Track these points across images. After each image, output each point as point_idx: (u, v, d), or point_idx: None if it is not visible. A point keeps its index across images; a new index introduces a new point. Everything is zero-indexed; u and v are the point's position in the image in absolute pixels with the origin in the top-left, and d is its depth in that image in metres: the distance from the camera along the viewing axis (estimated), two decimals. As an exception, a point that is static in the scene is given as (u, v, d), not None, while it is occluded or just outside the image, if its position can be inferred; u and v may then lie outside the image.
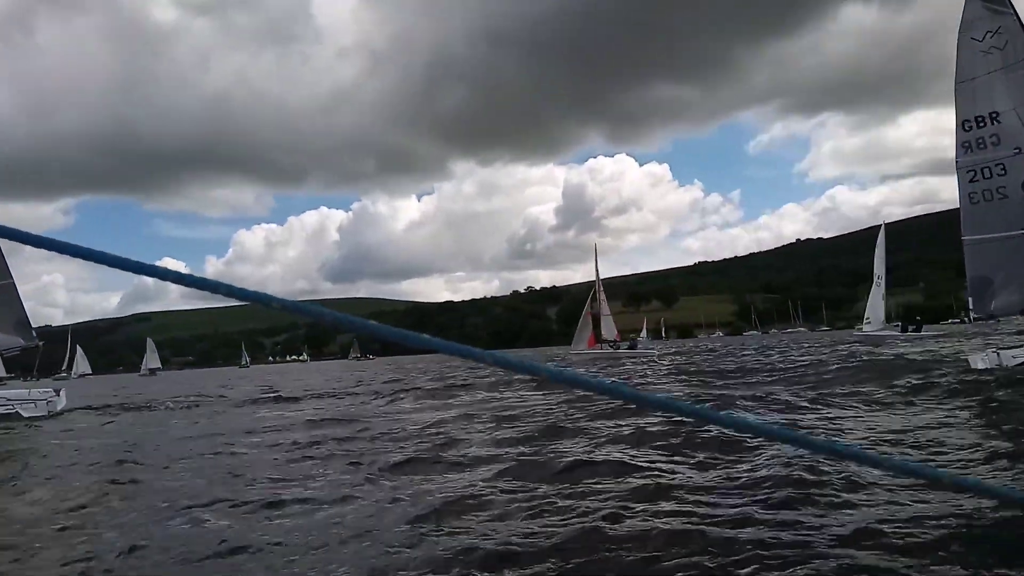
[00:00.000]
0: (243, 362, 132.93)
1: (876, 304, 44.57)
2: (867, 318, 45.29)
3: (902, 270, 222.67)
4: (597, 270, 46.86)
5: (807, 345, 42.06)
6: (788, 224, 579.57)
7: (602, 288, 45.24)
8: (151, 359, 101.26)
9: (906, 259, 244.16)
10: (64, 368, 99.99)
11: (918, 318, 46.01)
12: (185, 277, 0.99)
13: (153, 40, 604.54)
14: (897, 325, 45.70)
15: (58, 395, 20.37)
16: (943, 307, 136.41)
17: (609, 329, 43.21)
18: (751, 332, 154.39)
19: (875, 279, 45.04)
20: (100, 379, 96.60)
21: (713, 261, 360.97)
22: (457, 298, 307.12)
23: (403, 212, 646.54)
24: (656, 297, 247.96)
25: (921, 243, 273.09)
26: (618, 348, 40.56)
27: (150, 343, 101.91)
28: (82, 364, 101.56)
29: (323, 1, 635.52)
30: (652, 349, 43.52)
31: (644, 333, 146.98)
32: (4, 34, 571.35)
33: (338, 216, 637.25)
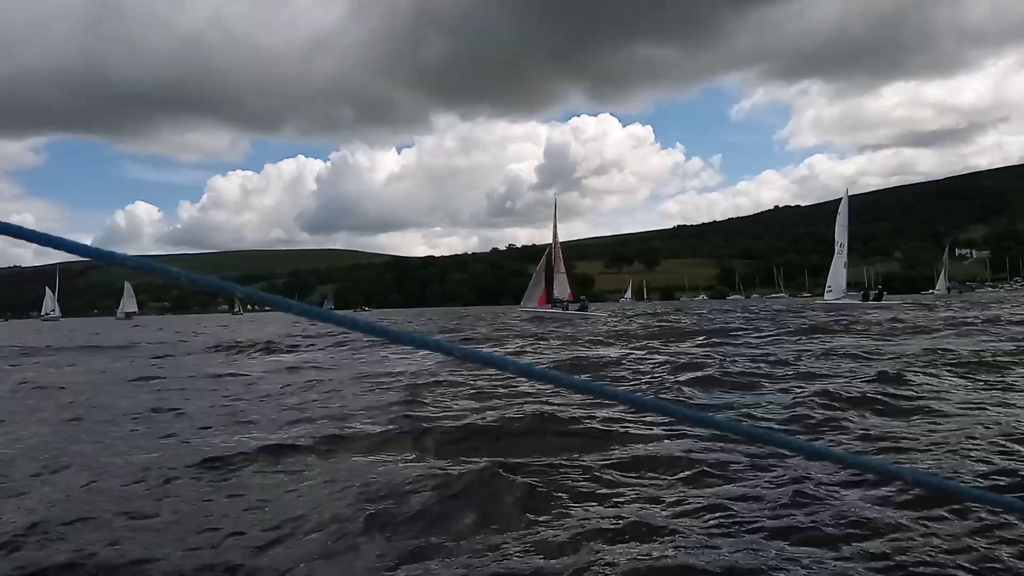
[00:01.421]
0: (236, 308, 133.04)
1: (838, 272, 44.35)
2: (828, 286, 45.18)
3: (879, 240, 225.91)
4: (555, 226, 45.65)
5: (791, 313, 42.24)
6: (767, 191, 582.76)
7: (559, 246, 44.39)
8: (128, 303, 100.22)
9: (883, 229, 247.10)
10: (40, 311, 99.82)
11: (879, 287, 46.32)
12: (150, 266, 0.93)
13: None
14: (858, 294, 45.87)
15: None
16: (922, 277, 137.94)
17: (562, 288, 42.71)
18: (734, 296, 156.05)
19: (837, 247, 44.86)
20: (74, 322, 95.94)
21: (693, 225, 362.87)
22: (436, 253, 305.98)
23: (382, 164, 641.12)
24: (638, 259, 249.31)
25: (897, 213, 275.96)
26: (567, 309, 39.79)
27: (128, 287, 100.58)
28: (50, 305, 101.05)
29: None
30: (602, 313, 43.19)
31: (629, 293, 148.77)
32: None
33: (316, 165, 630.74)
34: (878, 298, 42.63)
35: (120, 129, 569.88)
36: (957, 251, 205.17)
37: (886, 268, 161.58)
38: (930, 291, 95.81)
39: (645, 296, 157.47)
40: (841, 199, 46.58)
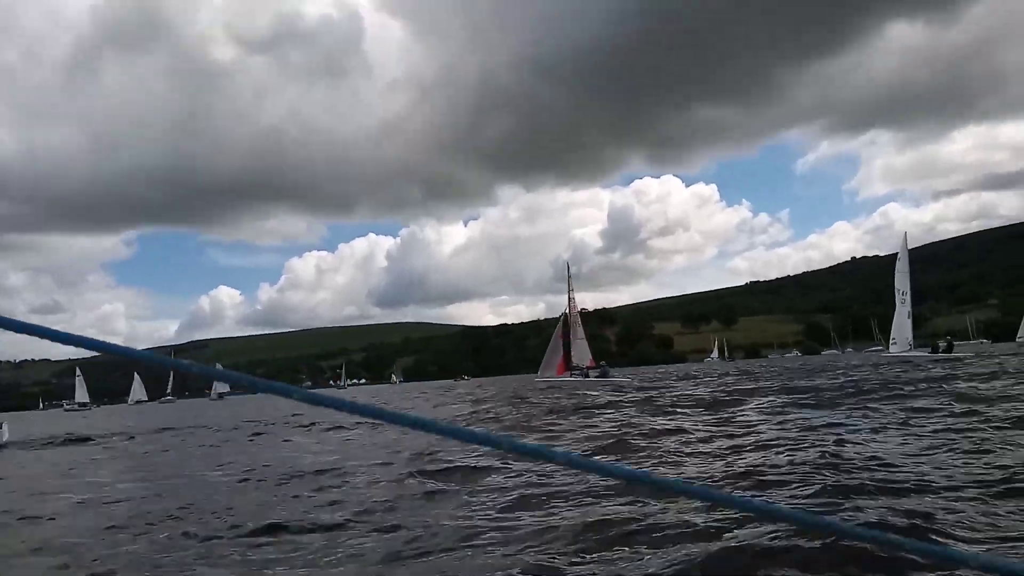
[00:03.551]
0: (343, 383, 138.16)
1: (902, 323, 41.00)
2: (893, 339, 41.82)
3: (967, 286, 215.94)
4: (570, 291, 42.66)
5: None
6: (839, 243, 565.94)
7: (578, 310, 42.24)
8: (220, 384, 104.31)
9: (970, 275, 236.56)
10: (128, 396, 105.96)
11: (948, 338, 42.38)
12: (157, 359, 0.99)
13: (211, 77, 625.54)
14: (926, 347, 42.41)
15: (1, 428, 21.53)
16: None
17: (581, 354, 40.22)
18: (829, 351, 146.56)
19: (899, 296, 41.45)
20: (187, 403, 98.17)
21: (765, 280, 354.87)
22: (503, 321, 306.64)
23: (449, 237, 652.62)
24: (715, 317, 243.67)
25: (981, 258, 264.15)
26: (587, 375, 37.56)
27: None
28: (138, 391, 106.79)
29: (374, 36, 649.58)
30: (626, 377, 40.06)
31: (715, 353, 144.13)
32: (71, 76, 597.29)
33: (386, 242, 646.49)
34: (948, 350, 39.02)
35: (205, 219, 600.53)
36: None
37: (984, 315, 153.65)
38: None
39: (726, 355, 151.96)
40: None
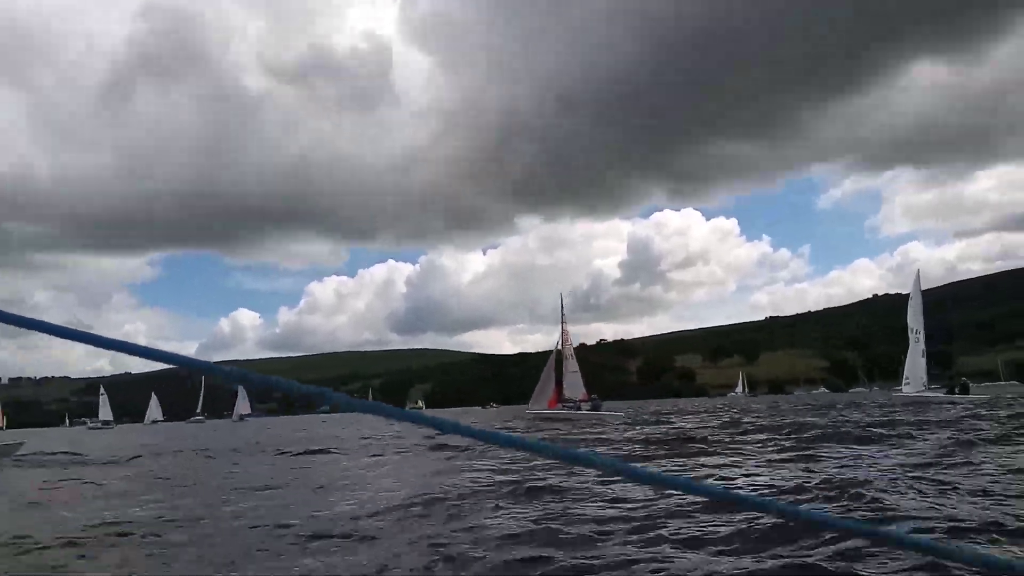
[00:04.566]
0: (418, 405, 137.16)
1: (916, 363, 39.74)
2: (906, 378, 40.50)
3: (993, 327, 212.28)
4: (563, 323, 42.15)
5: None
6: (861, 279, 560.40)
7: (570, 342, 41.62)
8: (242, 405, 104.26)
9: (1002, 313, 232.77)
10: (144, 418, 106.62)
11: (964, 380, 41.07)
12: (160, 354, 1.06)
13: (243, 106, 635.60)
14: (939, 387, 40.82)
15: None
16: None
17: (574, 388, 39.64)
18: (857, 388, 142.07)
19: (912, 335, 40.27)
20: (215, 423, 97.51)
21: (785, 316, 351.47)
22: (520, 350, 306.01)
23: (469, 265, 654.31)
24: (736, 351, 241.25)
25: (1008, 298, 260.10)
26: (579, 408, 37.39)
27: (241, 390, 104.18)
28: (155, 411, 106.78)
29: (401, 67, 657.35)
30: (619, 412, 39.52)
31: (740, 387, 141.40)
32: (106, 102, 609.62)
33: (406, 269, 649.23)
34: (964, 391, 37.88)
35: (232, 242, 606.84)
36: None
37: (1012, 356, 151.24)
38: None
39: (746, 389, 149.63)
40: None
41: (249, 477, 13.62)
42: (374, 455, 17.43)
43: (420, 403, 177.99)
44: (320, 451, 19.83)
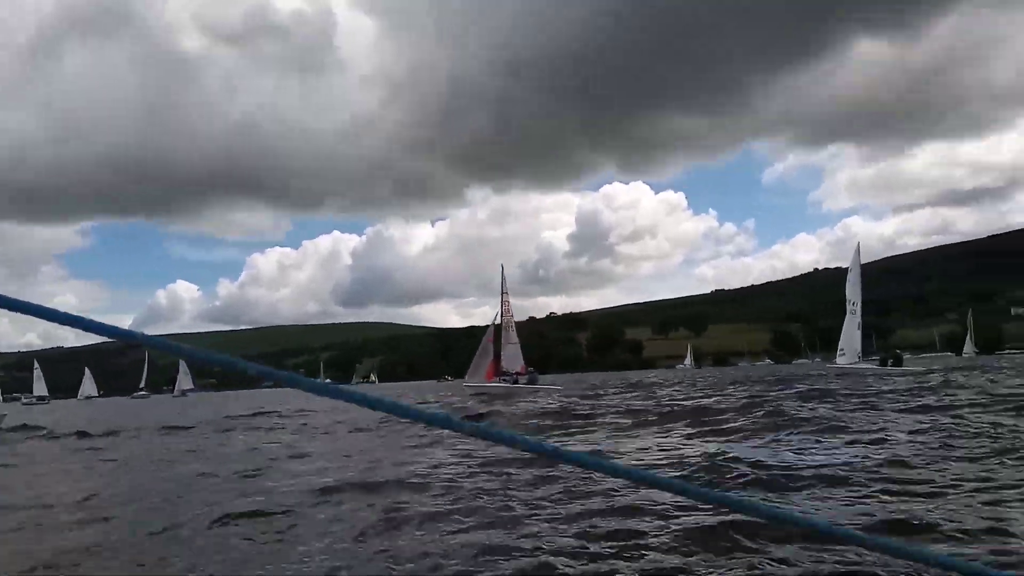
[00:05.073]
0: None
1: (852, 335, 40.18)
2: (841, 349, 40.94)
3: (928, 302, 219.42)
4: (504, 294, 41.71)
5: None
6: (803, 254, 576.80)
7: (512, 315, 41.34)
8: (184, 380, 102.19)
9: (934, 288, 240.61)
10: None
11: (897, 351, 42.30)
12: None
13: (180, 68, 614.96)
14: (873, 359, 42.03)
15: None
16: (992, 339, 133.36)
17: (512, 360, 39.43)
18: (801, 360, 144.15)
19: (849, 307, 40.89)
20: (159, 399, 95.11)
21: (730, 289, 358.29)
22: (468, 323, 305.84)
23: (416, 237, 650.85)
24: (684, 324, 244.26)
25: (941, 274, 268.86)
26: (516, 382, 37.32)
27: (183, 365, 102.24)
28: (88, 387, 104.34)
29: (346, 32, 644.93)
30: (558, 385, 39.86)
31: (688, 360, 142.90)
32: (32, 60, 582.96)
33: (351, 240, 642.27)
34: (897, 363, 39.00)
35: (171, 211, 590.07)
36: (1013, 311, 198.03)
37: (948, 328, 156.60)
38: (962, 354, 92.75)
39: (694, 362, 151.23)
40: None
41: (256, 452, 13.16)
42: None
43: (373, 377, 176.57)
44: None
